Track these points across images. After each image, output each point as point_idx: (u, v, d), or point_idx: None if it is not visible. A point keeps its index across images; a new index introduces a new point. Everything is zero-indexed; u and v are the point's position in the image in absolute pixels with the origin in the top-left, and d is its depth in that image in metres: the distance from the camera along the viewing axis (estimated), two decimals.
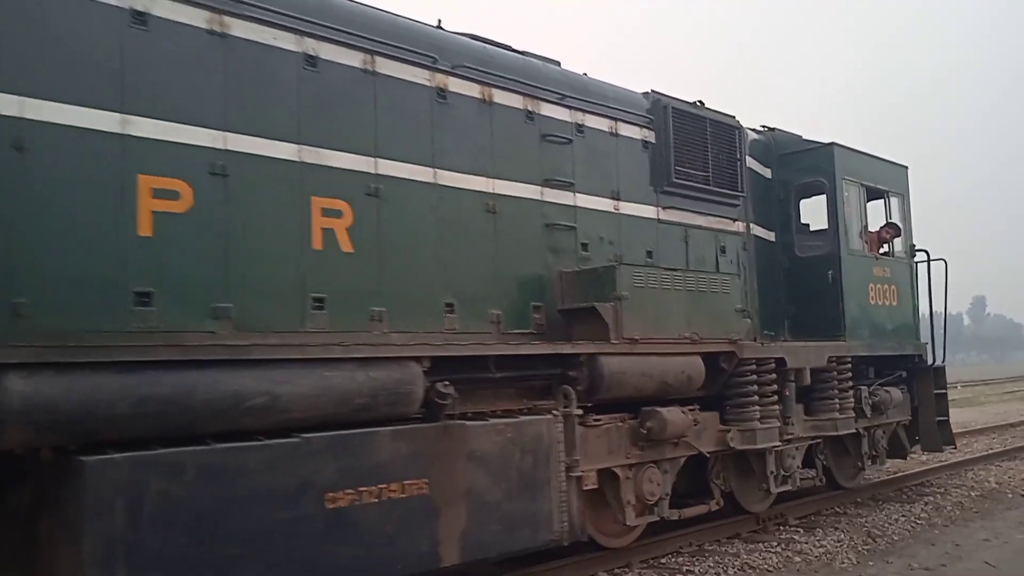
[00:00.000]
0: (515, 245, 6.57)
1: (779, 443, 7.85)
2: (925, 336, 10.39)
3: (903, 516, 8.82)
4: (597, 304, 6.48)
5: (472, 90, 6.40)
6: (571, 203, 7.03)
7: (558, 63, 7.42)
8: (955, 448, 11.15)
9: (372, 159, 5.68)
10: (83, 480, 3.79)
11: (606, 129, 7.47)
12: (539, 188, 6.80)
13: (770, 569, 6.85)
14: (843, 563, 7.05)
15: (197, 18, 4.92)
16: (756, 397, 7.61)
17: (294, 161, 5.28)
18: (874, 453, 9.64)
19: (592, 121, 7.33)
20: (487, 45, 6.76)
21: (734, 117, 8.66)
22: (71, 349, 3.88)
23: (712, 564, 6.91)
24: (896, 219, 10.01)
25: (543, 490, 5.73)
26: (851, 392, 8.86)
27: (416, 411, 5.19)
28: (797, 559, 7.15)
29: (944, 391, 10.38)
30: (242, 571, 4.24)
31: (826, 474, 9.34)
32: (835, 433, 8.66)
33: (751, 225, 8.96)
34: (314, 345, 4.85)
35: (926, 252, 10.21)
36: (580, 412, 6.16)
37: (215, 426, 4.29)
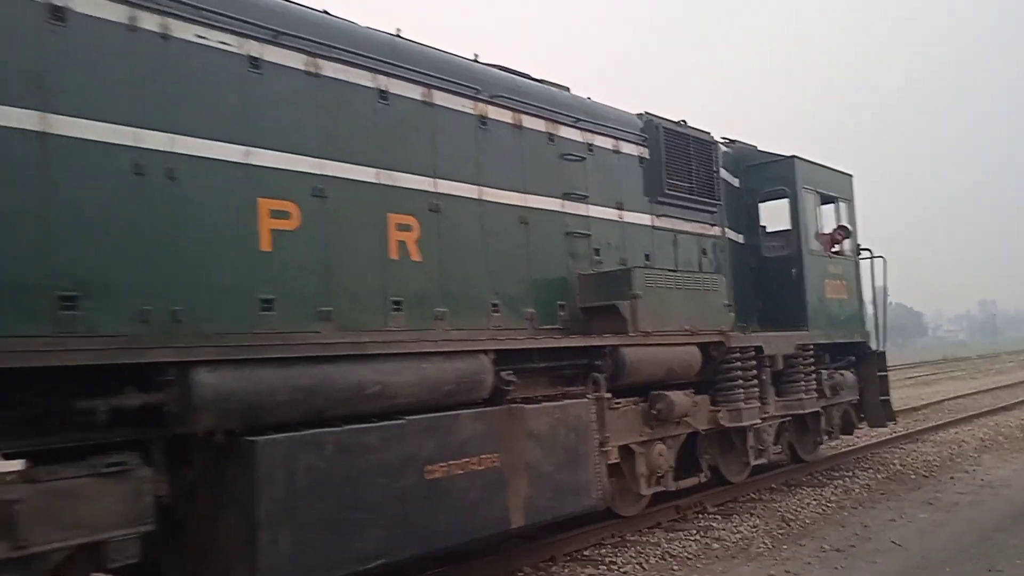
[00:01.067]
0: (543, 252, 7.47)
1: (759, 421, 9.00)
2: (868, 324, 11.76)
3: (815, 500, 9.12)
4: (617, 302, 7.46)
5: (506, 116, 7.29)
6: (585, 214, 7.99)
7: (568, 89, 8.36)
8: (896, 423, 12.51)
9: (432, 179, 6.51)
10: (254, 457, 4.54)
11: (610, 147, 8.45)
12: (560, 201, 7.73)
13: (690, 556, 7.04)
14: (759, 548, 7.27)
15: (298, 61, 5.68)
16: (740, 381, 8.70)
17: (374, 183, 6.08)
18: (829, 429, 10.94)
19: (599, 141, 8.30)
20: (515, 76, 7.65)
21: (710, 133, 9.77)
22: (247, 348, 4.63)
23: (634, 554, 7.10)
24: (845, 221, 11.32)
25: (584, 463, 6.67)
26: (814, 376, 10.09)
27: (485, 396, 6.07)
28: (716, 545, 7.35)
29: (886, 373, 11.68)
30: (368, 532, 5.03)
31: (790, 448, 10.61)
32: (802, 412, 9.87)
33: (725, 229, 10.10)
34: (410, 341, 5.67)
35: (869, 251, 11.56)
36: (608, 396, 7.12)
37: (340, 410, 5.08)
